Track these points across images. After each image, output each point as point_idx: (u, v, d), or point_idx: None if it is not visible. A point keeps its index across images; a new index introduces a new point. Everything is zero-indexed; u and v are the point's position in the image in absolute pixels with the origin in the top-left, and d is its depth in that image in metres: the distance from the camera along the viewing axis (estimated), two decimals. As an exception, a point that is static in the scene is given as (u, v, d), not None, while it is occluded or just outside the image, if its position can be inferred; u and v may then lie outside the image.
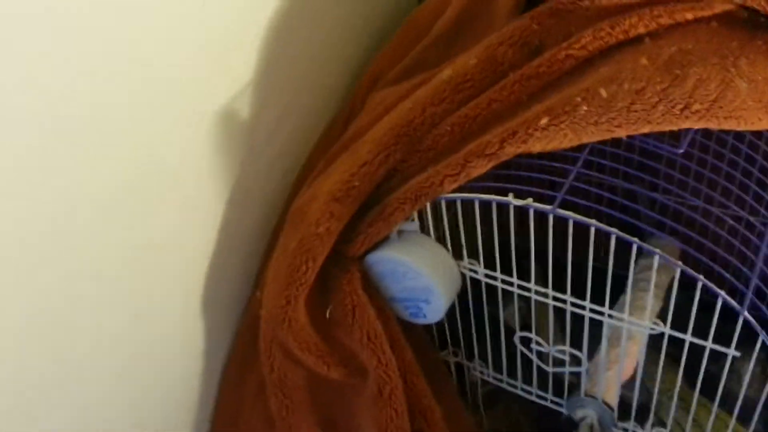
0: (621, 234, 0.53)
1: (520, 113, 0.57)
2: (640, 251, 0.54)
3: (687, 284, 0.53)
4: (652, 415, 0.68)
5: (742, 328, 0.54)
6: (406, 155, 0.61)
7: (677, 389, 0.63)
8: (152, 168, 0.58)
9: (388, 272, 0.64)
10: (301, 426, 0.66)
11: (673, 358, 0.64)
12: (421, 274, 0.63)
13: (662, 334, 0.58)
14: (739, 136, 0.66)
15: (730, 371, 0.60)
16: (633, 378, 0.66)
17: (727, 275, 0.54)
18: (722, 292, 0.51)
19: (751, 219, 0.67)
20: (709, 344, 0.56)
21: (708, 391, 0.63)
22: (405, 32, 0.74)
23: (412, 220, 0.63)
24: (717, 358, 0.60)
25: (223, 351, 0.73)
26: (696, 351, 0.59)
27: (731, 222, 0.64)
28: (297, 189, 0.70)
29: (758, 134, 0.65)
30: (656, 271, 0.66)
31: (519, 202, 0.56)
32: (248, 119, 0.67)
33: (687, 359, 0.60)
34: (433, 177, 0.59)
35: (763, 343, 0.55)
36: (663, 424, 0.67)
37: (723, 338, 0.55)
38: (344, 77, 0.80)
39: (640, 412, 0.70)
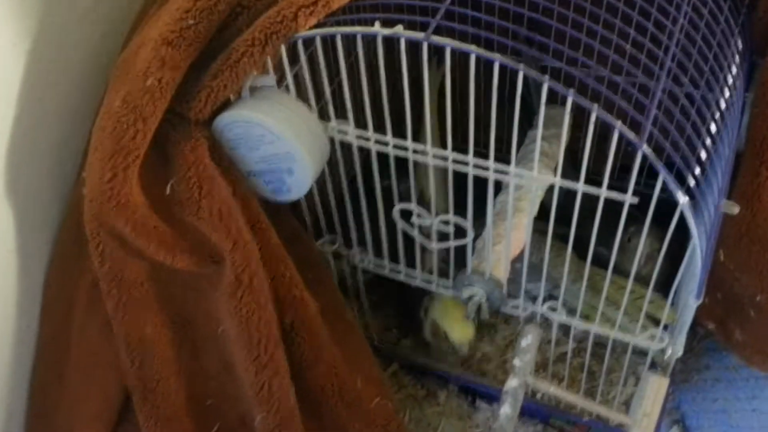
0: (505, 60, 0.44)
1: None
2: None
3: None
4: (542, 291, 0.62)
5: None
6: (253, -15, 0.50)
7: (567, 263, 0.58)
8: None
9: (241, 137, 0.54)
10: (143, 327, 0.55)
11: (564, 240, 0.58)
12: (281, 137, 0.52)
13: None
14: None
15: (621, 251, 0.55)
16: (522, 253, 0.60)
17: (628, 107, 0.47)
18: (618, 123, 0.44)
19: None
20: (604, 191, 0.49)
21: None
22: None
23: (270, 73, 0.53)
24: (606, 240, 0.54)
25: (43, 251, 0.60)
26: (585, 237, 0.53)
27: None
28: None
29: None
30: (552, 120, 0.59)
31: (387, 32, 0.46)
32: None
33: (578, 243, 0.55)
34: (285, 11, 0.48)
35: (654, 218, 0.50)
36: (555, 298, 0.62)
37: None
38: None
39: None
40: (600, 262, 0.60)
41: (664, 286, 0.58)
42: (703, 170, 0.50)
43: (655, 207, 0.49)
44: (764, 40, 0.56)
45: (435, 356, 0.75)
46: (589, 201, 0.51)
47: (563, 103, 0.46)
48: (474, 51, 0.45)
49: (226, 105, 0.53)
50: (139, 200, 0.51)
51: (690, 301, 0.54)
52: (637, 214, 0.51)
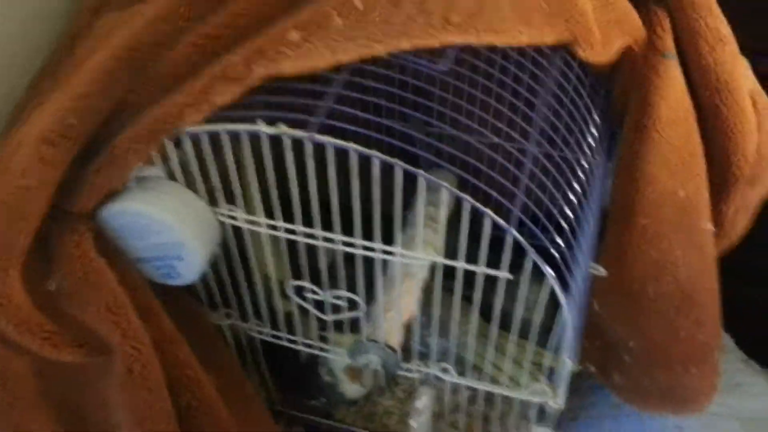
0: (384, 156, 0.47)
1: (268, 31, 0.49)
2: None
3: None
4: (434, 353, 0.65)
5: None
6: (137, 84, 0.50)
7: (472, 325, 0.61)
8: None
9: (128, 228, 0.54)
10: (30, 424, 0.53)
11: (468, 299, 0.61)
12: (168, 226, 0.53)
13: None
14: (506, 55, 0.63)
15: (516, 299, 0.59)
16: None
17: (501, 198, 0.50)
18: (488, 210, 0.48)
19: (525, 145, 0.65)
20: (481, 269, 0.52)
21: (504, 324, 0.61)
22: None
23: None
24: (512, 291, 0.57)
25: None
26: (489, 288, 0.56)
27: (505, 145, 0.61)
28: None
29: (523, 52, 0.63)
30: (431, 202, 0.63)
31: (271, 130, 0.48)
32: None
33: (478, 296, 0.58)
34: (170, 108, 0.49)
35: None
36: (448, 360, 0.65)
37: (514, 269, 0.53)
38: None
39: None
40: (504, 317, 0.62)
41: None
42: (573, 232, 0.54)
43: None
44: (618, 120, 0.61)
45: (333, 407, 0.77)
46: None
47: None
48: (352, 148, 0.47)
49: (111, 194, 0.53)
50: (22, 299, 0.50)
51: (565, 360, 0.58)
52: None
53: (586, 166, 0.58)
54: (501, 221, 0.48)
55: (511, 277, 0.52)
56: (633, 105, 0.59)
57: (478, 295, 0.56)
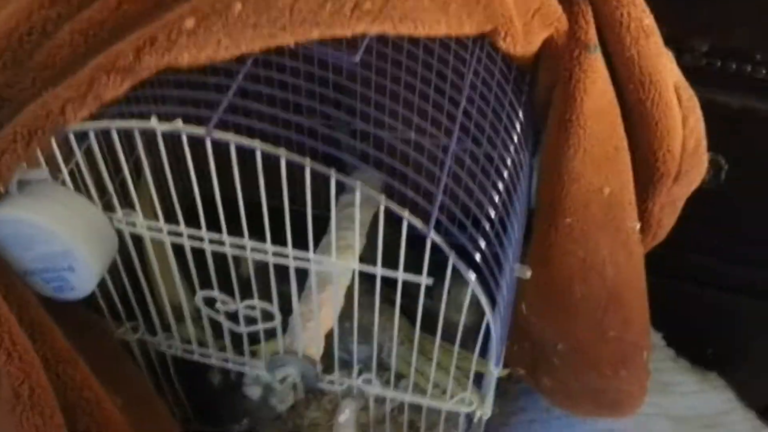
0: (291, 155, 0.43)
1: (161, 16, 0.44)
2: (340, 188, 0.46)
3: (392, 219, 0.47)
4: (356, 365, 0.62)
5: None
6: (12, 77, 0.45)
7: (396, 331, 0.58)
8: None
9: (10, 237, 0.48)
10: None
11: (390, 301, 0.58)
12: (55, 234, 0.48)
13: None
14: (427, 48, 0.61)
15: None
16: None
17: (420, 199, 0.47)
18: (405, 213, 0.44)
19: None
20: (400, 274, 0.49)
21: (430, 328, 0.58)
22: None
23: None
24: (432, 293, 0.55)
25: None
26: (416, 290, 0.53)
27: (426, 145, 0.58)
28: None
29: (446, 45, 0.60)
30: (349, 203, 0.60)
31: (166, 127, 0.43)
32: None
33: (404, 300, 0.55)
34: (50, 103, 0.44)
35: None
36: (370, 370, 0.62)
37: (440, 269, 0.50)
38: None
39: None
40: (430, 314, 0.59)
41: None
42: (497, 233, 0.52)
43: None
44: (542, 116, 0.59)
45: (258, 424, 0.72)
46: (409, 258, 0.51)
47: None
48: (258, 147, 0.43)
49: (-9, 201, 0.48)
50: None
51: (491, 368, 0.55)
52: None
53: (510, 164, 0.56)
54: (418, 223, 0.45)
55: (430, 282, 0.49)
56: (557, 99, 0.57)
57: (398, 299, 0.52)
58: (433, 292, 0.54)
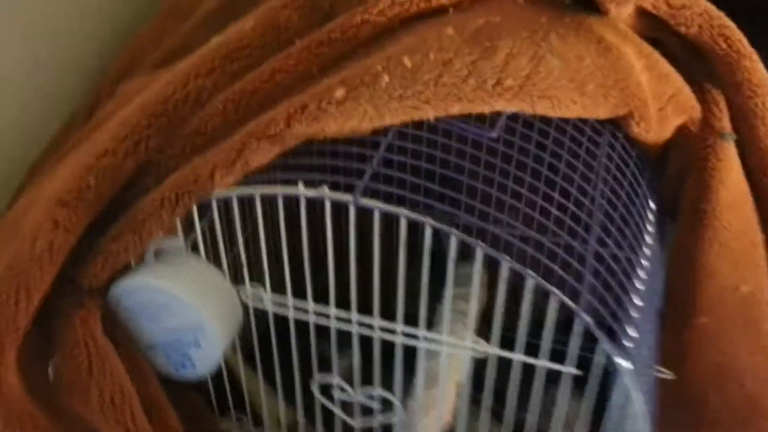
0: (437, 224, 0.42)
1: (310, 87, 0.46)
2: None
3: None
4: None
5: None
6: (165, 142, 0.47)
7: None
8: None
9: (142, 306, 0.48)
10: None
11: (494, 415, 0.54)
12: (189, 305, 0.47)
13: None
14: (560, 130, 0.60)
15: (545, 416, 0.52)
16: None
17: (566, 276, 0.45)
18: (559, 292, 0.42)
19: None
20: (543, 362, 0.46)
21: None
22: (165, 15, 0.60)
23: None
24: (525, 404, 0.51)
25: None
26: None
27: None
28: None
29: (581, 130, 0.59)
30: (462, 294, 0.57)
31: (312, 193, 0.43)
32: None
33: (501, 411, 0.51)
34: (199, 169, 0.45)
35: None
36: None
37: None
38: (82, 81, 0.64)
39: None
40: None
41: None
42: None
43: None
44: (673, 204, 0.57)
45: None
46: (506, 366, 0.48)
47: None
48: (404, 213, 0.42)
49: (125, 270, 0.48)
50: (15, 384, 0.44)
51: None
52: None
53: (646, 263, 0.54)
54: (571, 303, 0.42)
55: (580, 372, 0.46)
56: (690, 190, 0.55)
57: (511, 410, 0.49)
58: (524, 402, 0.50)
